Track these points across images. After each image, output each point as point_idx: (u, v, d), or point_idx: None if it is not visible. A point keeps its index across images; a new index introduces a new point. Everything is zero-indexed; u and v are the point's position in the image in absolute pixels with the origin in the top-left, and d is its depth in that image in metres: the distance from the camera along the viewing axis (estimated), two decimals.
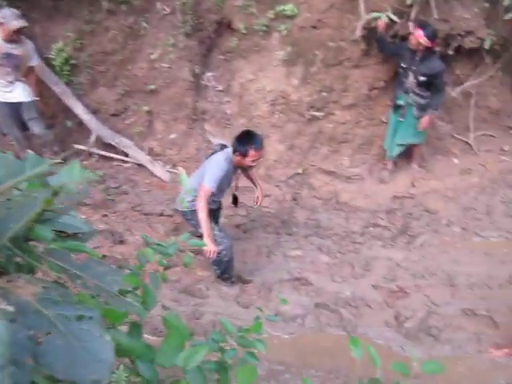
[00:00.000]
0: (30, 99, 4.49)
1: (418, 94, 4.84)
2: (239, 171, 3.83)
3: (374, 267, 4.19)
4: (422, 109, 4.90)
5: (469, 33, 5.03)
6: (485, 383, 2.98)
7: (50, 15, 4.85)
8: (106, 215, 4.64)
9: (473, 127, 5.66)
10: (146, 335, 2.91)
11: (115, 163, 5.15)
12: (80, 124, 5.05)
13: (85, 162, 5.01)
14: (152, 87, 5.10)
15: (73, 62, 4.92)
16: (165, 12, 4.98)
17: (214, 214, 3.81)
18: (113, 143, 5.06)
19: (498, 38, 5.07)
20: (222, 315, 3.38)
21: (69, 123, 5.05)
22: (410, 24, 4.79)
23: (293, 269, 4.16)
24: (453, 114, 5.69)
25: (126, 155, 5.12)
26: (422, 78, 4.74)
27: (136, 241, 4.21)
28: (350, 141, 5.48)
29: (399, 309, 3.68)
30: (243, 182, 4.09)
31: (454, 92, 5.49)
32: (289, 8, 4.93)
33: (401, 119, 5.02)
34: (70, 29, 4.84)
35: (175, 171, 5.05)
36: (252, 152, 3.46)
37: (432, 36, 4.54)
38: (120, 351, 1.15)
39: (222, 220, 4.26)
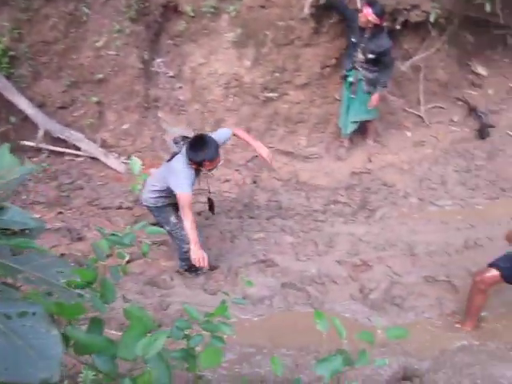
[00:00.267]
0: None
1: (366, 69, 4.88)
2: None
3: (336, 243, 4.25)
4: (372, 83, 4.95)
5: (414, 7, 5.09)
6: (444, 345, 3.10)
7: None
8: (61, 212, 4.48)
9: (423, 100, 5.80)
10: (112, 331, 2.84)
11: (67, 158, 4.96)
12: (25, 119, 4.79)
13: (34, 159, 4.79)
14: (100, 76, 4.91)
15: (11, 53, 4.64)
16: None
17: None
18: (63, 137, 4.85)
19: (443, 11, 5.16)
20: (190, 304, 3.34)
21: (13, 119, 4.78)
22: (358, 0, 4.81)
23: (258, 251, 4.17)
24: (403, 88, 5.80)
25: (78, 149, 4.92)
26: (370, 56, 4.77)
27: (95, 236, 4.08)
28: (305, 120, 5.50)
29: (363, 281, 3.76)
30: None
31: (403, 66, 5.59)
32: None
33: (352, 96, 5.06)
34: (6, 18, 4.55)
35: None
36: (207, 163, 3.33)
37: (380, 13, 4.57)
38: (79, 348, 1.10)
39: None
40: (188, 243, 3.57)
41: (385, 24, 4.80)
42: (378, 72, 4.89)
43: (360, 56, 4.84)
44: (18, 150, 4.57)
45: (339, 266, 3.97)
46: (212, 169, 3.48)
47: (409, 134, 5.72)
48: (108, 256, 2.75)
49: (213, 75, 5.17)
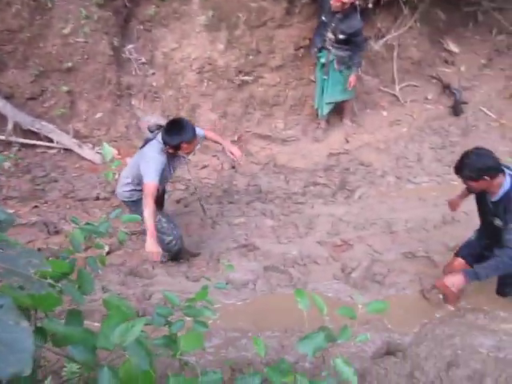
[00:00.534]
0: None
1: (338, 48, 4.85)
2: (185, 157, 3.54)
3: (317, 225, 4.27)
4: (343, 62, 4.93)
5: None
6: (425, 319, 3.17)
7: None
8: (36, 206, 4.38)
9: (398, 79, 5.83)
10: (95, 323, 2.81)
11: (39, 150, 4.82)
12: None
13: (5, 153, 4.64)
14: (69, 65, 4.76)
15: None
16: None
17: (157, 199, 3.65)
18: (33, 129, 4.71)
19: None
20: (172, 292, 3.32)
21: None
22: None
23: (239, 236, 4.16)
24: (378, 68, 5.81)
25: (51, 141, 4.79)
26: (340, 36, 4.74)
27: (72, 229, 4.00)
28: (281, 103, 5.47)
29: (345, 261, 3.80)
30: None
31: (376, 45, 5.60)
32: None
33: (325, 77, 5.04)
34: None
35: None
36: (184, 145, 3.21)
37: None
38: (57, 340, 1.07)
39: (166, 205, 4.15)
40: (170, 235, 3.54)
41: (357, 2, 4.78)
42: (350, 51, 4.87)
43: (330, 36, 4.80)
44: None
45: (320, 246, 4.00)
46: (189, 152, 3.40)
47: (384, 113, 5.76)
48: (88, 248, 2.70)
49: (186, 60, 5.08)
